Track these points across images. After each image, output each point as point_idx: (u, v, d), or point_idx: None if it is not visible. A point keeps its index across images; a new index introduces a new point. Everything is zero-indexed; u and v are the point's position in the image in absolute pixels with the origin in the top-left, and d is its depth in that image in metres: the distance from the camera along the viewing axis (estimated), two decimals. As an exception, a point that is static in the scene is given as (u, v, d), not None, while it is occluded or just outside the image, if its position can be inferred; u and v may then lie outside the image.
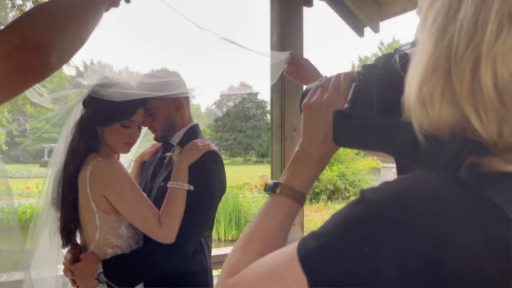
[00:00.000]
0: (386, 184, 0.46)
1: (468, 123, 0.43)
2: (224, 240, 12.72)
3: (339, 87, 0.68)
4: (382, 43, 38.09)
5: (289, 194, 0.67)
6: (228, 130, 38.85)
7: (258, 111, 39.96)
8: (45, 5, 0.71)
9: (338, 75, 0.69)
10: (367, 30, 3.35)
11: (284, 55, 1.49)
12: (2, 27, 0.68)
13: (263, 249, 0.60)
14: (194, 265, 1.54)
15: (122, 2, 0.93)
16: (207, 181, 1.50)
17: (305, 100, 0.71)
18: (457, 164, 0.46)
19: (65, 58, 0.72)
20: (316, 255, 0.46)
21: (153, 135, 1.68)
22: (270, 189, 0.68)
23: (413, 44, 0.54)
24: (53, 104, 1.51)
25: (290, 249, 0.50)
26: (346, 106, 0.62)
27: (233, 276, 0.58)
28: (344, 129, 0.60)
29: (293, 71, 1.46)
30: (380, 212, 0.43)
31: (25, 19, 0.68)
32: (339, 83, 0.68)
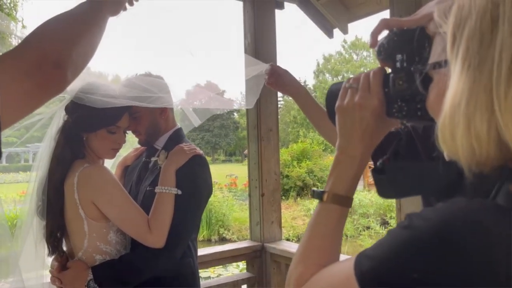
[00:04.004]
0: (431, 212, 0.49)
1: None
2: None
3: (369, 86, 0.68)
4: (345, 41, 38.86)
5: (336, 200, 0.68)
6: (195, 129, 37.75)
7: (225, 110, 39.75)
8: (55, 22, 0.72)
9: (367, 74, 0.69)
10: (336, 31, 3.45)
11: (265, 66, 1.56)
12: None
13: (321, 259, 0.64)
14: (182, 268, 1.57)
15: None
16: (194, 185, 1.52)
17: (337, 103, 0.72)
18: (496, 191, 0.49)
19: (79, 70, 0.73)
20: (371, 275, 0.50)
21: (131, 140, 1.68)
22: (317, 196, 0.70)
23: (436, 66, 0.54)
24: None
25: (347, 267, 0.54)
26: (378, 162, 0.66)
27: None
28: (385, 183, 0.65)
29: (273, 82, 1.52)
30: (427, 240, 0.46)
31: (40, 37, 0.69)
32: (368, 82, 0.68)
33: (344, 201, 0.68)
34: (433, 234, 0.46)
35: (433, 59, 0.56)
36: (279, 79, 1.52)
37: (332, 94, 0.76)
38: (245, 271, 2.74)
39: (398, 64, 0.64)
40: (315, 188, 0.72)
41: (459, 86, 0.45)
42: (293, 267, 0.67)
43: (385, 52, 0.66)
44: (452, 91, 0.47)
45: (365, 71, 0.72)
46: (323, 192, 0.69)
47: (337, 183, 0.69)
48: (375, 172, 0.67)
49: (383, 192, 0.67)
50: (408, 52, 0.62)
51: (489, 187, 0.51)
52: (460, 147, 0.46)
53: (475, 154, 0.45)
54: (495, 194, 0.49)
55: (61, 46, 0.68)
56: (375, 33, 0.70)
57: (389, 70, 0.68)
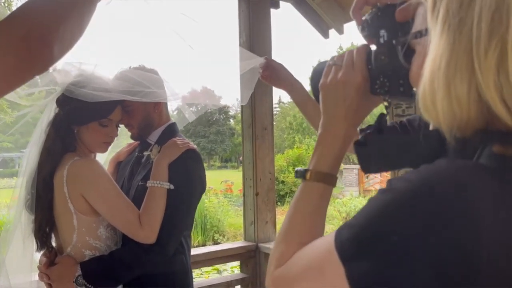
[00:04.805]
0: (411, 173, 0.47)
1: (493, 114, 0.42)
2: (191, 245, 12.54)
3: (353, 63, 0.67)
4: (341, 48, 39.07)
5: (319, 178, 0.66)
6: (191, 135, 38.47)
7: (221, 116, 39.89)
8: None
9: (351, 51, 0.68)
10: (332, 32, 3.45)
11: (260, 60, 1.52)
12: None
13: (303, 237, 0.61)
14: (174, 265, 1.53)
15: None
16: (187, 179, 1.49)
17: (321, 81, 0.70)
18: (478, 154, 0.47)
19: (65, 49, 0.71)
20: (350, 244, 0.48)
21: (121, 136, 1.65)
22: (301, 175, 0.68)
23: (417, 35, 0.53)
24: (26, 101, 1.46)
25: (327, 241, 0.52)
26: (360, 136, 0.65)
27: (280, 267, 0.60)
28: (367, 156, 0.65)
29: (267, 75, 1.49)
30: (408, 201, 0.44)
31: (26, 11, 0.67)
32: (352, 59, 0.67)
33: (327, 178, 0.67)
34: (413, 194, 0.44)
35: (414, 30, 0.56)
36: (273, 73, 1.48)
37: (317, 73, 0.75)
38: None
39: (381, 40, 0.63)
40: (298, 168, 0.70)
41: (439, 49, 0.45)
42: (275, 247, 0.65)
43: (369, 28, 0.65)
44: (432, 55, 0.46)
45: None
46: (306, 170, 0.67)
47: (321, 161, 0.67)
48: (358, 145, 0.66)
49: (366, 166, 0.67)
50: (391, 27, 0.62)
51: (472, 152, 0.49)
52: (440, 111, 0.45)
53: (456, 117, 0.44)
54: (478, 157, 0.48)
55: (48, 21, 0.67)
56: (355, 9, 0.69)
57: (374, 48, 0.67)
